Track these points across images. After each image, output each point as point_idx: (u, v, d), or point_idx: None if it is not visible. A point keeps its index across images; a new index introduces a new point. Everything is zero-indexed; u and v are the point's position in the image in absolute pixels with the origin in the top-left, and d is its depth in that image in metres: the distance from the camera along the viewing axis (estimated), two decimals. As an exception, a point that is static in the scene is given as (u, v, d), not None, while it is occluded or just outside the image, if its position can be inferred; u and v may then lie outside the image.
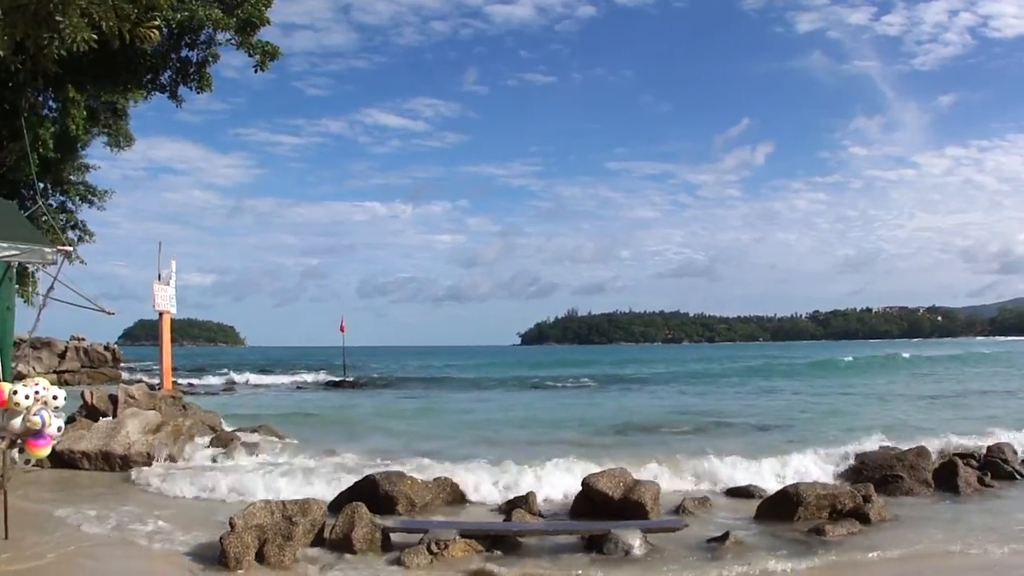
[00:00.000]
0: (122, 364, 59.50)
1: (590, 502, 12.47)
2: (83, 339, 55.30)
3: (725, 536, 10.71)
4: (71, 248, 10.49)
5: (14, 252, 10.05)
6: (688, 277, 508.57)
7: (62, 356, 52.02)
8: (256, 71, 20.67)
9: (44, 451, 10.63)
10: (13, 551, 9.95)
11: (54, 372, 46.42)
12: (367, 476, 13.21)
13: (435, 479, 13.83)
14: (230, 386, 54.27)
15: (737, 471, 15.01)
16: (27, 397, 10.05)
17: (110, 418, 18.32)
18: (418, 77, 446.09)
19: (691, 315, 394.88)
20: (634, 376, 61.74)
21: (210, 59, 23.38)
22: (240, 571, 9.46)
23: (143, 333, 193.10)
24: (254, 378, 64.84)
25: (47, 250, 10.38)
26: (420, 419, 29.63)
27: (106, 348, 56.95)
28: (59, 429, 10.63)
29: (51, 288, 11.33)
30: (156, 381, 29.32)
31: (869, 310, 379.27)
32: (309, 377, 65.00)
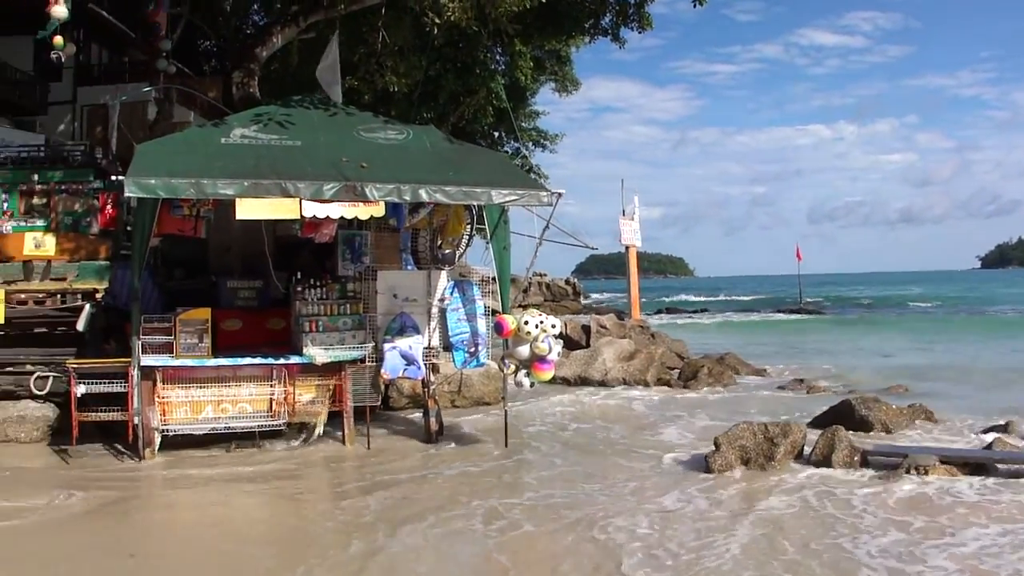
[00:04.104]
0: (581, 297, 62.12)
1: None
2: (545, 275, 58.31)
3: None
4: (562, 191, 11.39)
5: (514, 197, 11.12)
6: None
7: (525, 291, 55.19)
8: (695, 6, 20.86)
9: (548, 374, 11.75)
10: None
11: (519, 306, 49.29)
12: (844, 400, 13.40)
13: (908, 405, 13.78)
14: (686, 315, 55.51)
15: None
16: (536, 327, 11.18)
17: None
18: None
19: None
20: None
21: (648, -2, 23.86)
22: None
23: (594, 267, 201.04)
24: (710, 307, 65.96)
25: (543, 194, 11.38)
26: (884, 346, 29.18)
27: (566, 282, 59.73)
28: (558, 354, 11.71)
29: (546, 228, 12.43)
30: (614, 312, 30.58)
31: None
32: (760, 306, 65.25)
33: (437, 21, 18.79)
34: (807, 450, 10.75)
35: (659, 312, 60.47)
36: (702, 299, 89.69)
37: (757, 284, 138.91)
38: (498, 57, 33.71)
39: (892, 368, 21.80)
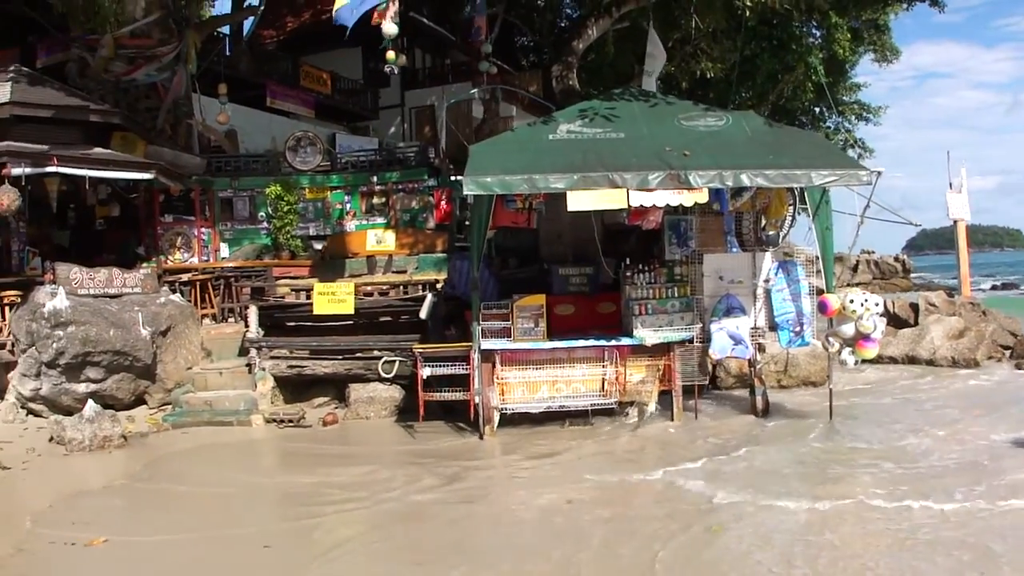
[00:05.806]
0: (912, 274, 59.94)
1: None
2: (872, 252, 56.60)
3: None
4: (881, 169, 11.41)
5: (833, 178, 11.26)
6: None
7: (854, 269, 53.72)
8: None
9: (872, 352, 11.79)
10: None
11: (848, 285, 48.02)
12: None
13: None
14: (1022, 291, 52.73)
15: None
16: (860, 305, 11.28)
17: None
18: None
19: None
20: None
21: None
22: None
23: (926, 243, 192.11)
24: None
25: (862, 173, 11.44)
26: None
27: (896, 259, 57.72)
28: (882, 332, 11.73)
29: (867, 207, 12.45)
30: (944, 289, 29.46)
31: None
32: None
33: (748, 3, 18.91)
34: None
35: (993, 288, 57.52)
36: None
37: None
38: (814, 31, 33.18)
39: None
